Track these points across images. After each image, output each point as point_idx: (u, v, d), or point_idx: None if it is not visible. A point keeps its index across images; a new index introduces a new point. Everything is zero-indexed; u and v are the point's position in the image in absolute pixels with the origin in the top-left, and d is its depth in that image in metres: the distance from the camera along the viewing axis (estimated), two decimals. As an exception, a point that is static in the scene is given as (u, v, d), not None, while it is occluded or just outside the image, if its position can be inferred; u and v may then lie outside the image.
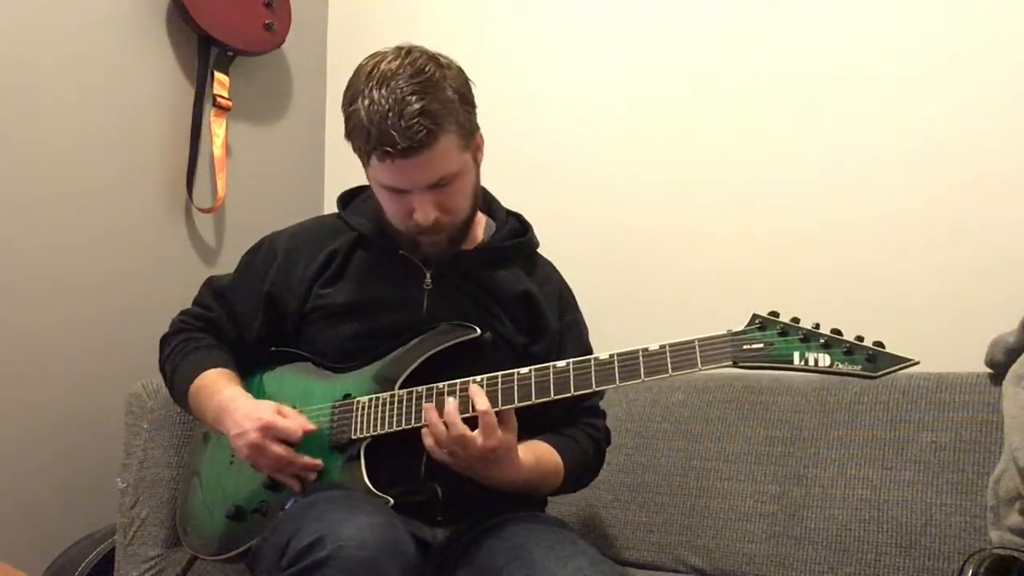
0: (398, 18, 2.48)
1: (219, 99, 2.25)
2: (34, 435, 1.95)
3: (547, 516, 1.48)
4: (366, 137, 1.32)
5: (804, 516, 1.62)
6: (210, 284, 1.61)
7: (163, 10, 2.19)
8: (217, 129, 2.26)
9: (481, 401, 1.29)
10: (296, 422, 1.37)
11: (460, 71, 1.40)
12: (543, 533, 1.32)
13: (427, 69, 1.33)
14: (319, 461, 1.37)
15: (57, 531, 1.91)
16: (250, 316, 1.55)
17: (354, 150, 1.39)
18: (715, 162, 2.04)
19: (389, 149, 1.30)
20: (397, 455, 1.38)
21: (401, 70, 1.32)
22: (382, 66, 1.33)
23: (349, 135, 1.38)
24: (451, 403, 1.30)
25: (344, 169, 2.49)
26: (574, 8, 2.24)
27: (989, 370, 1.56)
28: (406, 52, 1.36)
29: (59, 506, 1.97)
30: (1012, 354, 1.49)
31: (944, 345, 1.70)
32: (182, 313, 1.62)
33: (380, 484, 1.34)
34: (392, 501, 1.31)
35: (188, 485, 1.58)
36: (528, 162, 2.18)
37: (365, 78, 1.34)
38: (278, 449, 1.35)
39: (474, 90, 1.41)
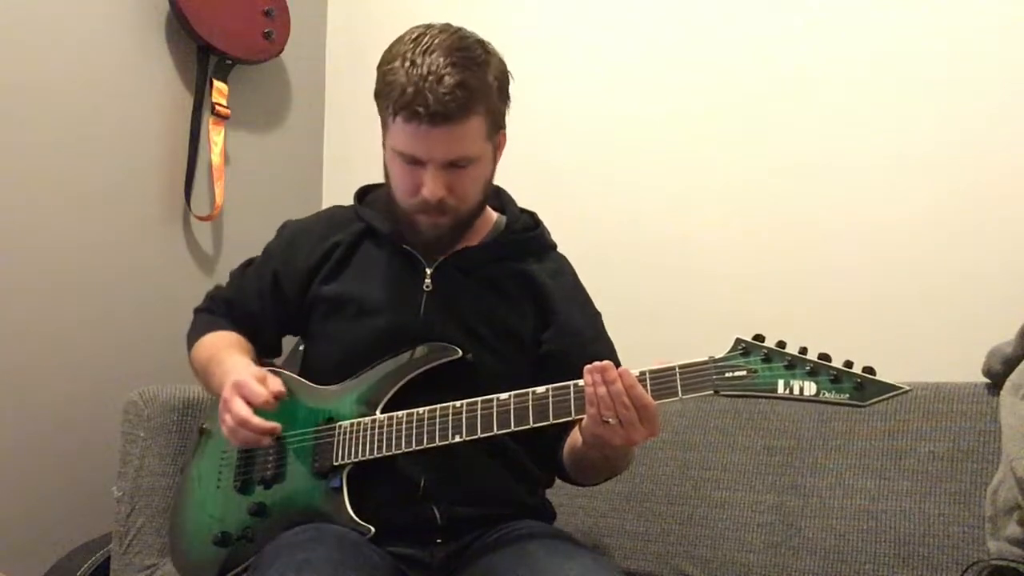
0: (398, 26, 2.46)
1: (218, 107, 2.26)
2: (30, 443, 1.94)
3: (551, 527, 1.47)
4: (399, 93, 1.30)
5: (802, 526, 1.61)
6: (243, 265, 1.65)
7: (163, 19, 2.20)
8: (216, 137, 2.27)
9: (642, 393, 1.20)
10: (267, 390, 1.33)
11: (503, 63, 1.41)
12: (545, 538, 1.32)
13: (474, 49, 1.35)
14: (276, 425, 1.33)
15: (52, 540, 1.90)
16: (264, 296, 1.56)
17: (380, 110, 1.38)
18: (719, 169, 2.04)
19: (420, 110, 1.29)
20: (393, 476, 1.37)
21: (448, 42, 1.33)
22: (428, 36, 1.34)
23: (379, 93, 1.36)
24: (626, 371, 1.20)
25: (342, 178, 2.50)
26: (581, 12, 2.24)
27: (987, 380, 1.56)
28: (456, 28, 1.37)
29: (55, 515, 1.96)
30: (1010, 364, 1.49)
31: (942, 355, 1.70)
32: (216, 288, 1.67)
33: (372, 508, 1.33)
34: (373, 531, 1.30)
35: (176, 509, 1.57)
36: (535, 165, 2.17)
37: (412, 43, 1.34)
38: (237, 406, 1.31)
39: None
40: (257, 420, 1.31)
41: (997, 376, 1.52)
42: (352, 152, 2.50)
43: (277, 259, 1.56)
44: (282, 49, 2.36)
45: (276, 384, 1.36)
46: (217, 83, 2.26)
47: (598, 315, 1.57)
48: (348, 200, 1.61)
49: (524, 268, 1.50)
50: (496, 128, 1.40)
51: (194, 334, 1.61)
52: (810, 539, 1.60)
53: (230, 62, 2.28)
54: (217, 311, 1.62)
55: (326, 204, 2.53)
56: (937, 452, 1.56)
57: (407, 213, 1.42)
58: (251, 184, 2.37)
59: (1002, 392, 1.48)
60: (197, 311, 1.66)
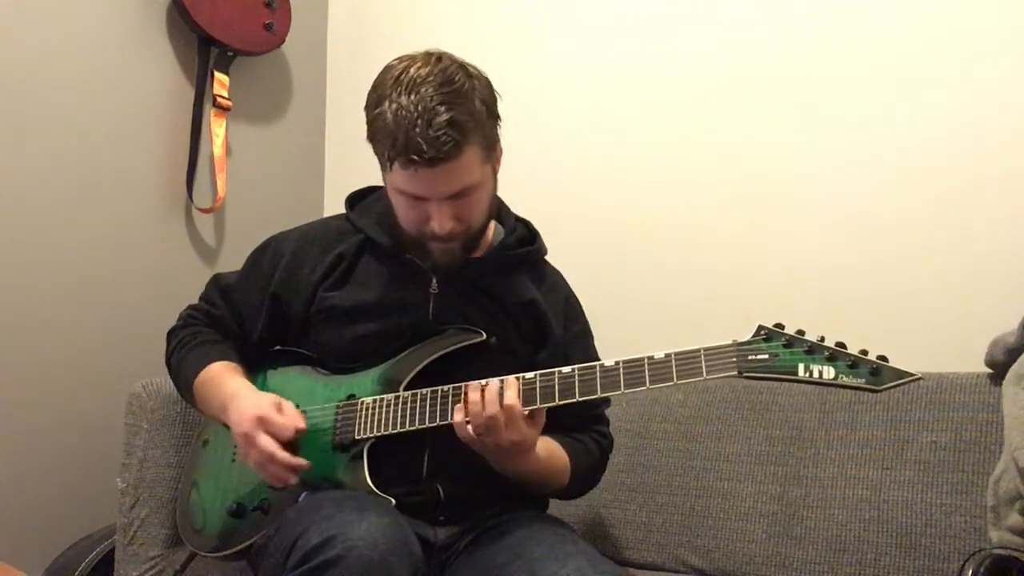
0: (398, 18, 2.49)
1: (219, 99, 2.26)
2: (34, 435, 1.94)
3: (548, 516, 1.48)
4: (391, 143, 1.31)
5: (804, 516, 1.62)
6: (216, 281, 1.62)
7: (163, 10, 2.20)
8: (217, 129, 2.27)
9: (510, 395, 1.28)
10: (290, 419, 1.37)
11: (488, 83, 1.39)
12: (544, 533, 1.33)
13: (457, 79, 1.32)
14: (304, 461, 1.35)
15: (57, 531, 1.91)
16: (254, 316, 1.55)
17: (376, 153, 1.37)
18: (718, 164, 2.04)
19: (415, 157, 1.29)
20: (399, 455, 1.38)
21: (431, 77, 1.31)
22: (411, 71, 1.32)
23: (372, 138, 1.36)
24: (494, 383, 1.29)
25: (344, 169, 2.50)
26: (576, 8, 2.24)
27: (989, 370, 1.56)
28: (436, 59, 1.34)
29: (59, 506, 1.97)
30: (1012, 354, 1.49)
31: (944, 345, 1.71)
32: (189, 307, 1.63)
33: (382, 484, 1.34)
34: (394, 502, 1.30)
35: (188, 485, 1.58)
36: (531, 163, 2.17)
37: (393, 82, 1.32)
38: (264, 442, 1.34)
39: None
40: (285, 457, 1.34)
41: (999, 366, 1.52)
42: (354, 143, 2.48)
43: (275, 280, 1.53)
44: (283, 40, 2.35)
45: (298, 419, 1.38)
46: (218, 75, 2.26)
47: (589, 335, 1.58)
48: (350, 190, 1.61)
49: (522, 288, 1.50)
50: (491, 149, 1.39)
51: (177, 354, 1.57)
52: (812, 529, 1.60)
53: (231, 54, 2.27)
54: (200, 323, 1.59)
55: (328, 196, 2.54)
56: (939, 442, 1.56)
57: (418, 241, 1.43)
58: (253, 176, 2.37)
59: (1004, 382, 1.48)
60: (175, 330, 1.61)
